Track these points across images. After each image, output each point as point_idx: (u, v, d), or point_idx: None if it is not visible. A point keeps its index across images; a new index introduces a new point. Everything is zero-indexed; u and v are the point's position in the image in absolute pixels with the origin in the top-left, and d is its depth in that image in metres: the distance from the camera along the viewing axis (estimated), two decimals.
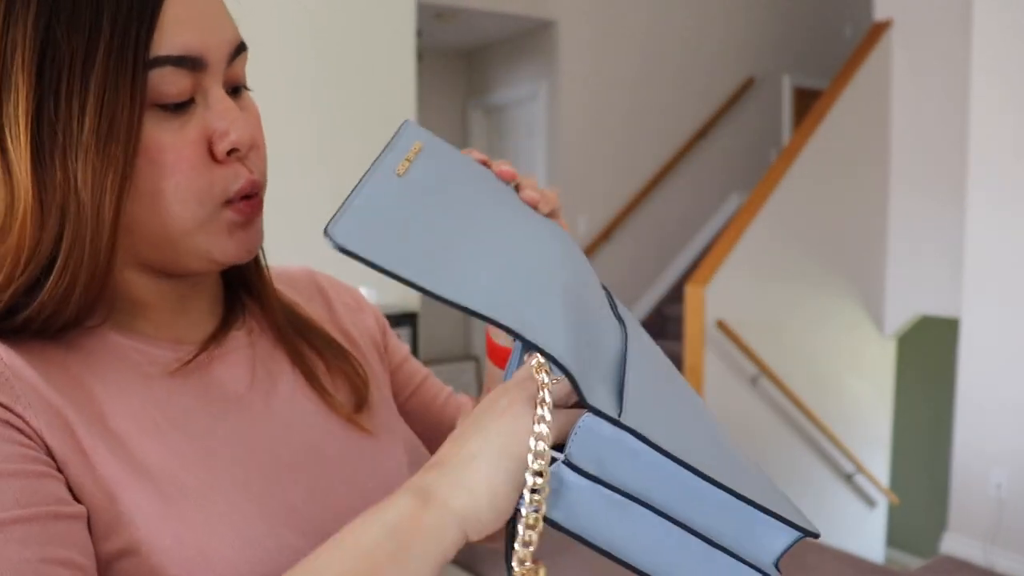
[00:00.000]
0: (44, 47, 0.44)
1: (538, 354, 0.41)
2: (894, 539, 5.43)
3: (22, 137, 0.44)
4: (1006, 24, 3.29)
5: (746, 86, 5.41)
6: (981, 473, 3.41)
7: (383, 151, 0.51)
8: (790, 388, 4.14)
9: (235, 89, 0.52)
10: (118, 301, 0.51)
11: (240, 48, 0.51)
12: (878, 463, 4.83)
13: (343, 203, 0.43)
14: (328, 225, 0.39)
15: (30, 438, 0.44)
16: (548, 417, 0.40)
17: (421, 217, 0.45)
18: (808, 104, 5.56)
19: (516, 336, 0.40)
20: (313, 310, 0.66)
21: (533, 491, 0.39)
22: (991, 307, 3.37)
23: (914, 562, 5.36)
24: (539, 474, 0.39)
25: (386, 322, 0.74)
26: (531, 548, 0.40)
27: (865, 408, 4.71)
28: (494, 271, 0.43)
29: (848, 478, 4.60)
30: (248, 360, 0.57)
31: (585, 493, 0.40)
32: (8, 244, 0.45)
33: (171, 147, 0.47)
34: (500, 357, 0.63)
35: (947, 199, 4.02)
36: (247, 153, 0.51)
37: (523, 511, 0.39)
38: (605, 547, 0.40)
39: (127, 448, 0.47)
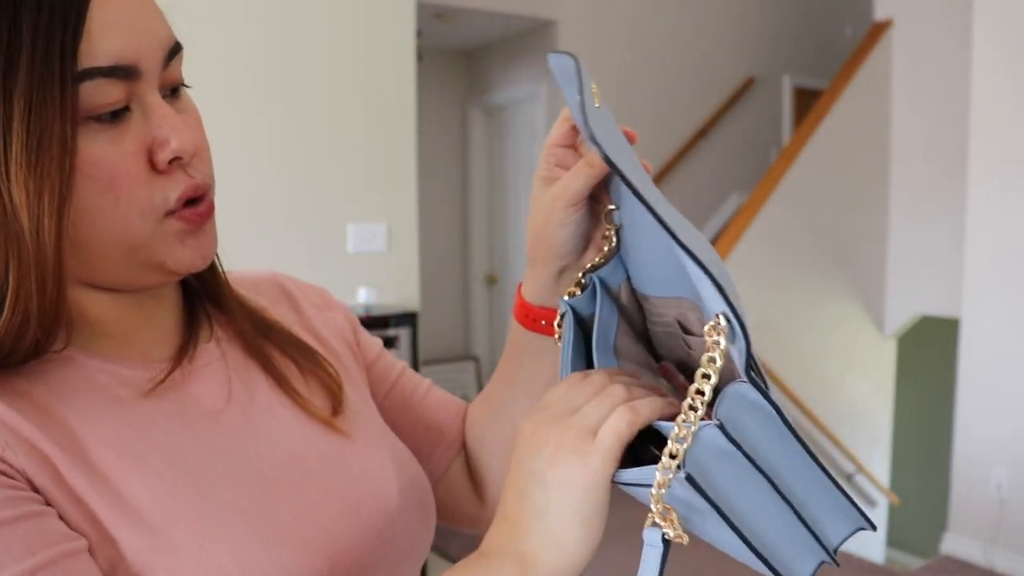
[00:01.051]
0: None
1: (721, 315, 0.40)
2: (894, 539, 5.42)
3: None
4: (1006, 24, 3.29)
5: (746, 86, 5.41)
6: (981, 473, 3.41)
7: (579, 79, 0.45)
8: (790, 388, 4.13)
9: (173, 90, 0.49)
10: (77, 322, 0.48)
11: (176, 48, 0.48)
12: (878, 463, 4.83)
13: (578, 108, 0.42)
14: (587, 121, 0.40)
15: (16, 479, 0.42)
16: (714, 380, 0.41)
17: (620, 150, 0.45)
18: (808, 104, 5.56)
19: (715, 284, 0.39)
20: (280, 313, 0.64)
21: (672, 456, 0.41)
22: (991, 307, 3.37)
23: (914, 562, 5.35)
24: (682, 439, 0.41)
25: (356, 319, 0.72)
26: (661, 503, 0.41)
27: (865, 408, 4.71)
28: (674, 217, 0.43)
29: (848, 478, 4.60)
30: (222, 373, 0.55)
31: (721, 457, 0.41)
32: None
33: (108, 161, 0.44)
34: (530, 318, 0.60)
35: (947, 199, 4.02)
36: (190, 160, 0.48)
37: (658, 475, 0.41)
38: (724, 509, 0.41)
39: (109, 481, 0.45)
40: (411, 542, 0.57)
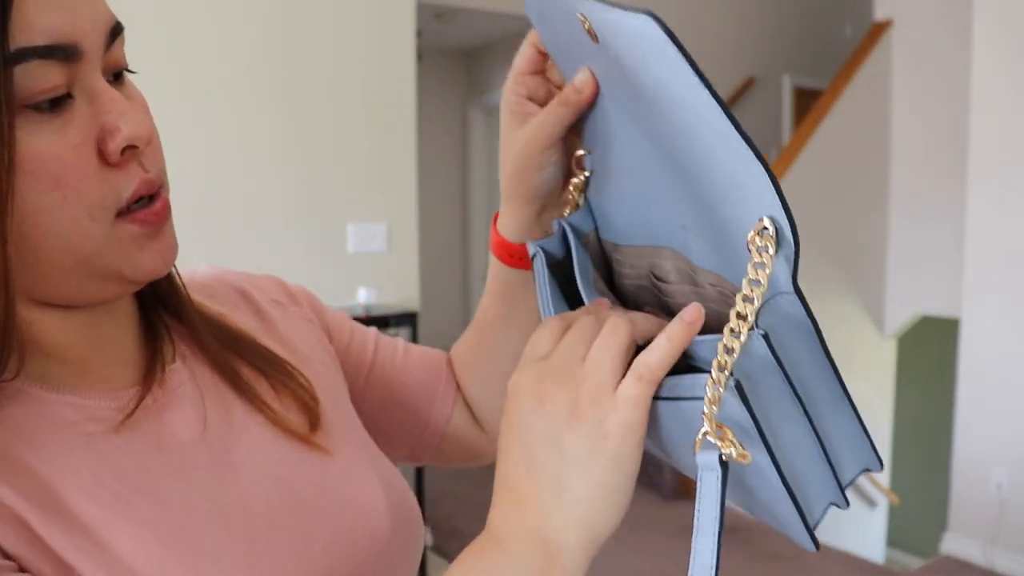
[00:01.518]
0: None
1: (767, 219, 0.38)
2: (894, 539, 5.42)
3: None
4: (1006, 24, 3.29)
5: (746, 86, 5.41)
6: (981, 473, 3.41)
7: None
8: None
9: (116, 75, 0.44)
10: (27, 347, 0.42)
11: (117, 28, 0.43)
12: None
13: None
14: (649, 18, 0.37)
15: None
16: (764, 287, 0.38)
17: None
18: (808, 104, 5.56)
19: (771, 176, 0.36)
20: (241, 320, 0.57)
21: (721, 369, 0.37)
22: (991, 307, 3.37)
23: (914, 562, 5.35)
24: (730, 351, 0.37)
25: (318, 300, 0.67)
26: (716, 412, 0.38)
27: (865, 408, 4.70)
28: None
29: None
30: (195, 396, 0.49)
31: (764, 371, 0.39)
32: None
33: (51, 155, 0.39)
34: (515, 257, 0.57)
35: (947, 199, 4.02)
36: (144, 149, 0.43)
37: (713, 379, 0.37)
38: (765, 431, 0.38)
39: (93, 534, 0.39)
40: (405, 558, 0.54)
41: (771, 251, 0.38)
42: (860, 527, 4.71)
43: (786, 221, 0.37)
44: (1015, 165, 3.28)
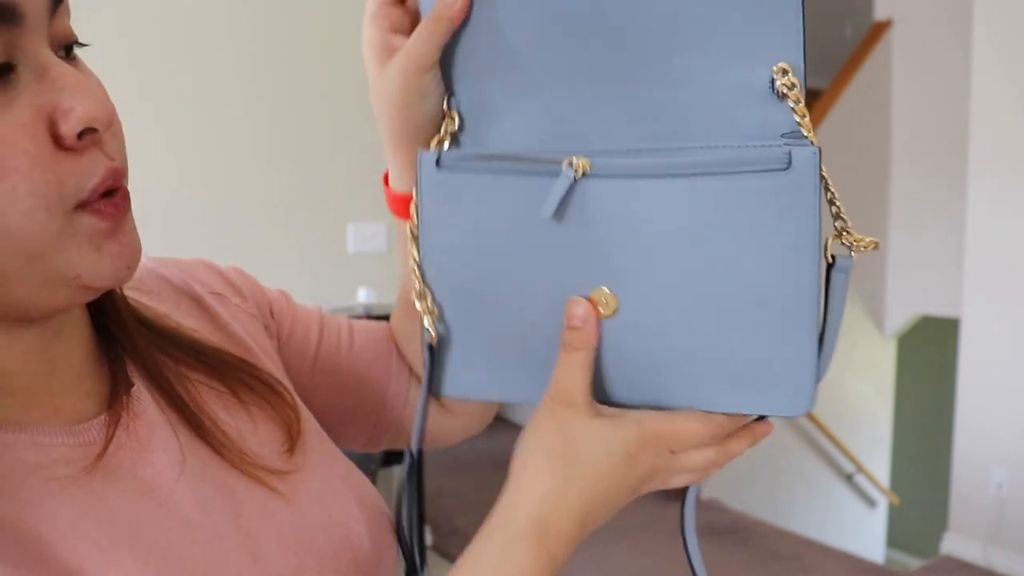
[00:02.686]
0: None
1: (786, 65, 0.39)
2: (894, 539, 5.42)
3: None
4: (1006, 24, 3.29)
5: None
6: (982, 473, 3.41)
7: None
8: None
9: (66, 50, 0.38)
10: None
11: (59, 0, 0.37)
12: (878, 463, 4.83)
13: None
14: None
15: None
16: (807, 118, 0.43)
17: None
18: (808, 104, 5.54)
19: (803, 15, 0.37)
20: (188, 320, 0.50)
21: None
22: (992, 306, 3.37)
23: (914, 562, 5.35)
24: None
25: (257, 283, 0.59)
26: None
27: (865, 408, 4.71)
28: None
29: (848, 478, 4.60)
30: (164, 427, 0.43)
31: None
32: None
33: None
34: (405, 207, 0.51)
35: (947, 198, 4.01)
36: (104, 133, 0.37)
37: None
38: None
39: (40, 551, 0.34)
40: (387, 572, 0.51)
41: (799, 89, 0.38)
42: (860, 527, 4.71)
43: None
44: (1015, 165, 3.27)
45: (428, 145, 0.49)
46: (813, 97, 5.52)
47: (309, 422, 0.51)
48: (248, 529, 0.42)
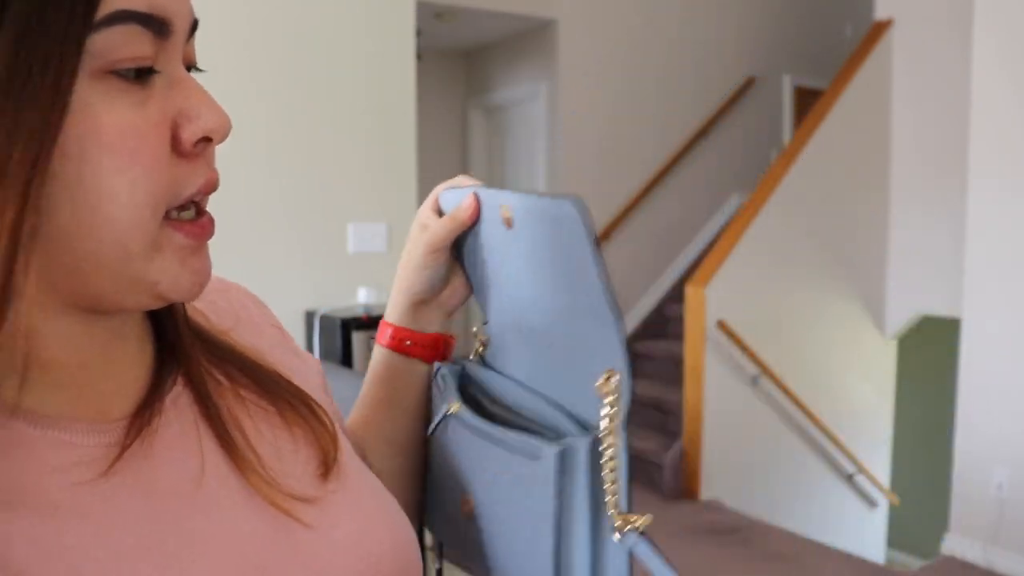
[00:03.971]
0: None
1: (613, 371, 0.46)
2: (895, 540, 5.42)
3: None
4: (1006, 24, 3.29)
5: (746, 86, 5.41)
6: (982, 473, 3.41)
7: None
8: (790, 388, 4.13)
9: (187, 69, 0.41)
10: (30, 365, 0.37)
11: (196, 24, 0.41)
12: (879, 463, 4.83)
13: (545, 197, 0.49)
14: (569, 201, 0.45)
15: None
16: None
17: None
18: (809, 104, 5.56)
19: (622, 334, 0.46)
20: (246, 339, 0.52)
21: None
22: (992, 306, 3.37)
23: (915, 563, 5.35)
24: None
25: (292, 342, 0.61)
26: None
27: (866, 408, 4.70)
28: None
29: (849, 478, 4.60)
30: (193, 429, 0.44)
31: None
32: None
33: (132, 127, 0.35)
34: (395, 339, 0.65)
35: (948, 198, 4.01)
36: (217, 144, 0.40)
37: None
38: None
39: None
40: None
41: (621, 405, 0.46)
42: (860, 527, 4.71)
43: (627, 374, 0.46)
44: (1015, 164, 3.27)
45: (420, 299, 0.65)
46: (813, 97, 5.52)
47: (348, 453, 0.52)
48: (252, 553, 0.42)
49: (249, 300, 0.57)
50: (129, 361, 0.43)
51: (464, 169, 5.55)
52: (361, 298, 3.12)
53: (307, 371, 0.57)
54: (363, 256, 3.14)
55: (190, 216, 0.40)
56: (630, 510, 0.46)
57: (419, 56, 4.55)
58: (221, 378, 0.47)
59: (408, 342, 0.64)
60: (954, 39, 3.96)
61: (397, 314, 0.65)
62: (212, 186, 0.41)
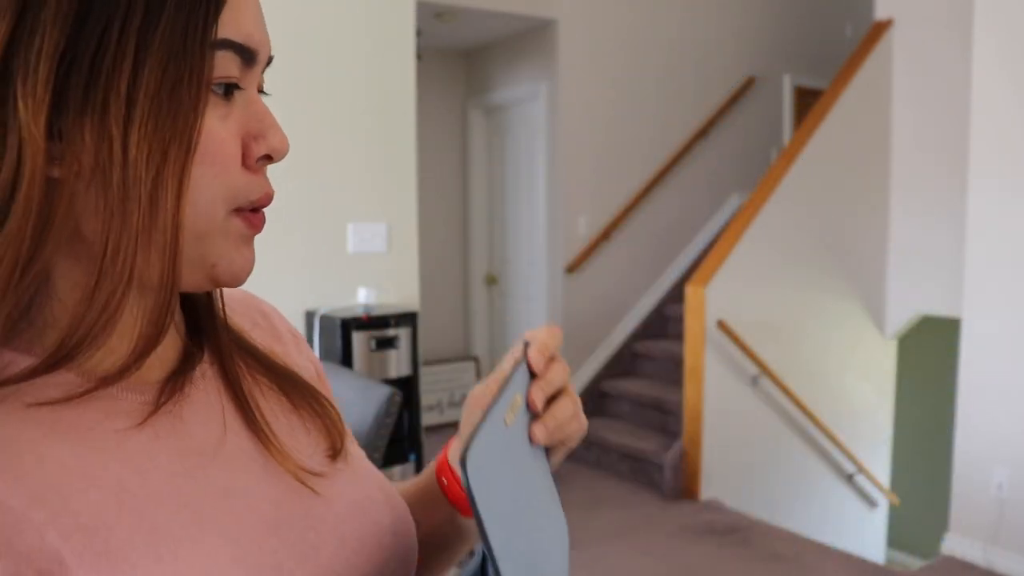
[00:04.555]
0: None
1: None
2: (895, 540, 5.42)
3: (40, 88, 0.37)
4: (1007, 23, 3.29)
5: (747, 86, 5.41)
6: (982, 473, 3.41)
7: (500, 391, 0.47)
8: (790, 388, 4.13)
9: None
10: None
11: (271, 58, 0.49)
12: (879, 463, 4.83)
13: (472, 435, 0.43)
14: (465, 456, 0.41)
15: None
16: None
17: (509, 473, 0.47)
18: (809, 104, 5.55)
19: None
20: (260, 339, 0.58)
21: None
22: (992, 306, 3.37)
23: (915, 563, 5.35)
24: None
25: (318, 359, 0.67)
26: None
27: (866, 408, 4.70)
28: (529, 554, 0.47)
29: (849, 478, 4.60)
30: (216, 400, 0.49)
31: None
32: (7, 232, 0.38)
33: (217, 135, 0.42)
34: (439, 471, 0.61)
35: (948, 198, 4.01)
36: (274, 162, 0.47)
37: None
38: None
39: (104, 537, 0.39)
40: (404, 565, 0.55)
41: None
42: (860, 527, 4.71)
43: None
44: (1015, 164, 3.27)
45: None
46: (813, 96, 5.52)
47: (352, 442, 0.58)
48: (269, 510, 0.47)
49: (269, 309, 0.63)
50: (168, 337, 0.48)
51: (464, 169, 5.55)
52: (361, 298, 3.12)
53: (320, 379, 0.63)
54: (363, 256, 3.14)
55: (251, 207, 0.46)
56: None
57: (419, 56, 4.55)
58: (240, 364, 0.53)
59: (445, 480, 0.61)
60: (954, 39, 3.96)
61: (452, 456, 0.62)
62: (269, 199, 0.48)
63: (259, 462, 0.49)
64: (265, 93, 0.49)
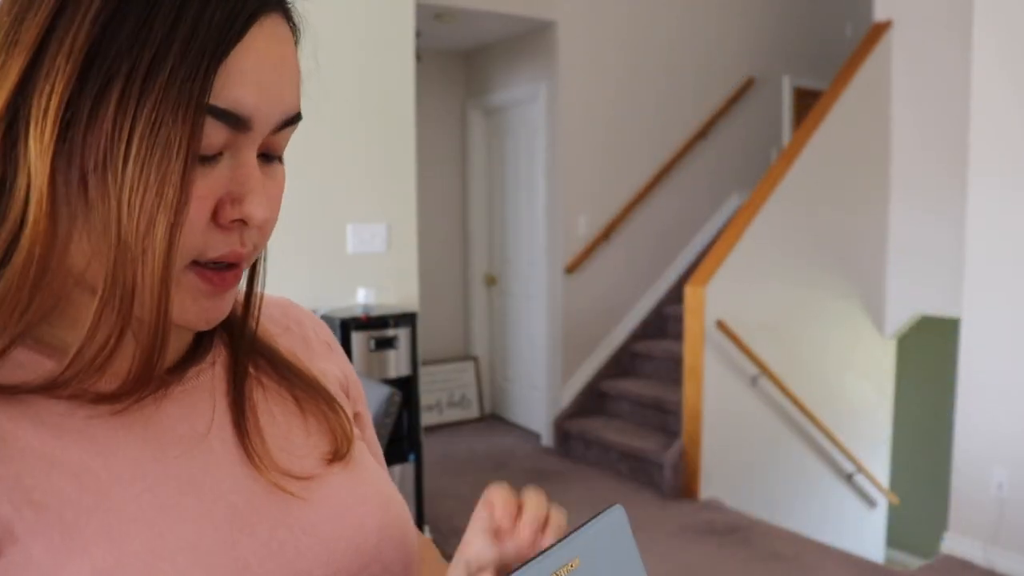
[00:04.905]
0: (99, 43, 0.40)
1: None
2: (894, 539, 5.42)
3: (48, 131, 0.40)
4: (1006, 24, 3.29)
5: (746, 86, 5.41)
6: (982, 473, 3.41)
7: (557, 543, 0.45)
8: (790, 388, 4.13)
9: (268, 155, 0.48)
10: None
11: (294, 118, 0.47)
12: (878, 463, 4.83)
13: None
14: None
15: None
16: None
17: None
18: (808, 104, 5.56)
19: None
20: (287, 343, 0.60)
21: None
22: (992, 306, 3.37)
23: (915, 562, 5.35)
24: None
25: (352, 369, 0.68)
26: None
27: (865, 407, 4.70)
28: None
29: (848, 478, 4.60)
30: (208, 396, 0.51)
31: None
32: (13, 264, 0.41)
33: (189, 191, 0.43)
34: None
35: (947, 198, 4.02)
36: (252, 227, 0.46)
37: None
38: None
39: (58, 512, 0.41)
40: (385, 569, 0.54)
41: None
42: (860, 527, 4.71)
43: None
44: (1015, 164, 3.27)
45: None
46: (813, 97, 5.53)
47: (361, 449, 0.58)
48: (242, 505, 0.48)
49: (306, 318, 0.65)
50: (175, 331, 0.50)
51: (463, 169, 5.55)
52: (360, 298, 3.12)
53: (349, 386, 0.64)
54: (362, 256, 3.14)
55: (218, 267, 0.46)
56: None
57: (419, 57, 4.55)
58: (250, 368, 0.55)
59: None
60: (954, 40, 3.96)
61: None
62: (238, 257, 0.46)
63: (241, 462, 0.50)
64: (271, 157, 0.48)
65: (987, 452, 3.39)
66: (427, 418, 5.07)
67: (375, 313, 2.98)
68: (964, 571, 3.35)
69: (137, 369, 0.44)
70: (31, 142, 0.40)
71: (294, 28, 0.51)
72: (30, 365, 0.45)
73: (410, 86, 3.17)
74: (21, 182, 0.41)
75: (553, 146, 4.75)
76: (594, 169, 4.83)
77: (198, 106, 0.41)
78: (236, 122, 0.43)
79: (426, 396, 5.12)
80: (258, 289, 0.56)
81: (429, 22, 4.53)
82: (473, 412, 5.42)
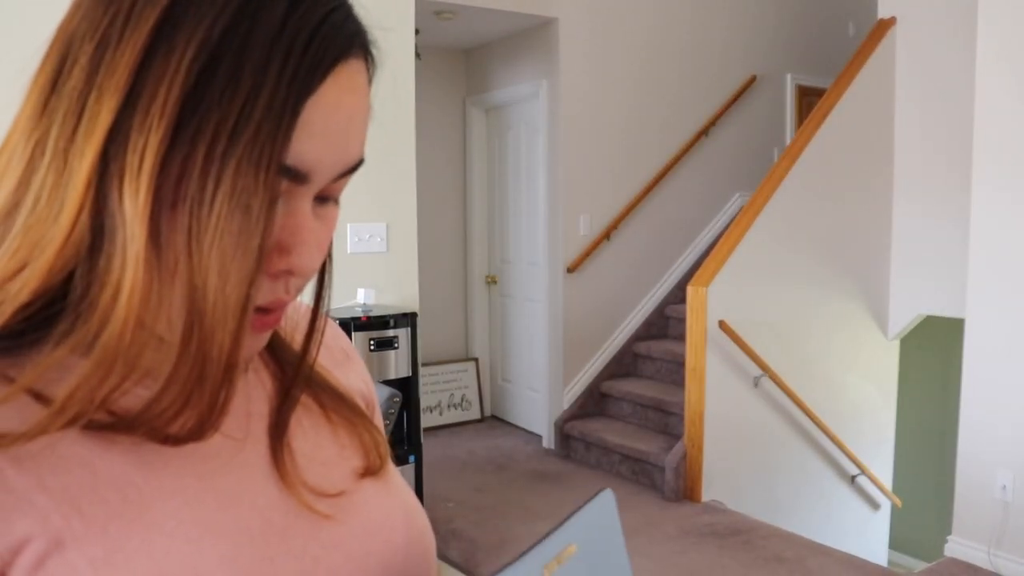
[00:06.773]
0: (192, 94, 0.38)
1: None
2: (898, 542, 5.39)
3: (143, 189, 0.38)
4: (1011, 21, 3.26)
5: (749, 84, 5.38)
6: (986, 475, 3.38)
7: (549, 533, 0.44)
8: (792, 389, 4.11)
9: (323, 198, 0.47)
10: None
11: (355, 166, 0.48)
12: (882, 465, 4.80)
13: None
14: None
15: None
16: None
17: None
18: (811, 102, 5.53)
19: None
20: (321, 359, 0.60)
21: None
22: (996, 307, 3.34)
23: (918, 565, 5.32)
24: None
25: (371, 378, 0.69)
26: None
27: (868, 409, 4.68)
28: None
29: (851, 480, 4.57)
30: (243, 402, 0.51)
31: None
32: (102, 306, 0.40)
33: None
34: None
35: (951, 198, 3.99)
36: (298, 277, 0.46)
37: None
38: None
39: (103, 525, 0.41)
40: None
41: None
42: (863, 529, 4.69)
43: None
44: (1019, 164, 3.25)
45: None
46: (816, 95, 5.50)
47: (393, 469, 0.58)
48: (277, 519, 0.48)
49: (344, 343, 0.65)
50: None
51: (464, 168, 5.52)
52: (360, 298, 3.09)
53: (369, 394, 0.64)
54: (362, 256, 3.12)
55: (261, 311, 0.45)
56: None
57: (418, 54, 4.52)
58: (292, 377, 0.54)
59: None
60: (957, 37, 3.93)
61: None
62: (279, 305, 0.46)
63: (274, 474, 0.50)
64: (327, 199, 0.47)
65: (991, 454, 3.36)
66: (427, 419, 5.05)
67: (375, 313, 2.95)
68: (968, 574, 3.33)
69: (205, 415, 0.44)
70: (126, 201, 0.39)
71: (371, 66, 0.49)
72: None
73: (410, 84, 3.15)
74: (118, 244, 0.39)
75: (554, 144, 4.72)
76: (595, 168, 4.81)
77: (278, 168, 0.40)
78: (295, 175, 0.42)
79: (426, 397, 5.10)
80: (321, 322, 0.54)
81: (429, 19, 4.50)
82: (473, 413, 5.39)
